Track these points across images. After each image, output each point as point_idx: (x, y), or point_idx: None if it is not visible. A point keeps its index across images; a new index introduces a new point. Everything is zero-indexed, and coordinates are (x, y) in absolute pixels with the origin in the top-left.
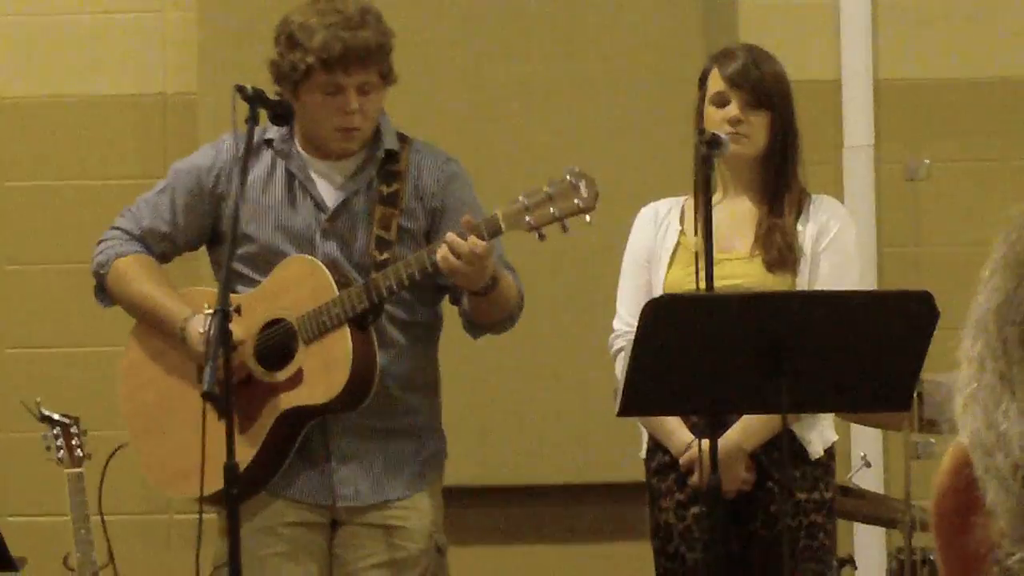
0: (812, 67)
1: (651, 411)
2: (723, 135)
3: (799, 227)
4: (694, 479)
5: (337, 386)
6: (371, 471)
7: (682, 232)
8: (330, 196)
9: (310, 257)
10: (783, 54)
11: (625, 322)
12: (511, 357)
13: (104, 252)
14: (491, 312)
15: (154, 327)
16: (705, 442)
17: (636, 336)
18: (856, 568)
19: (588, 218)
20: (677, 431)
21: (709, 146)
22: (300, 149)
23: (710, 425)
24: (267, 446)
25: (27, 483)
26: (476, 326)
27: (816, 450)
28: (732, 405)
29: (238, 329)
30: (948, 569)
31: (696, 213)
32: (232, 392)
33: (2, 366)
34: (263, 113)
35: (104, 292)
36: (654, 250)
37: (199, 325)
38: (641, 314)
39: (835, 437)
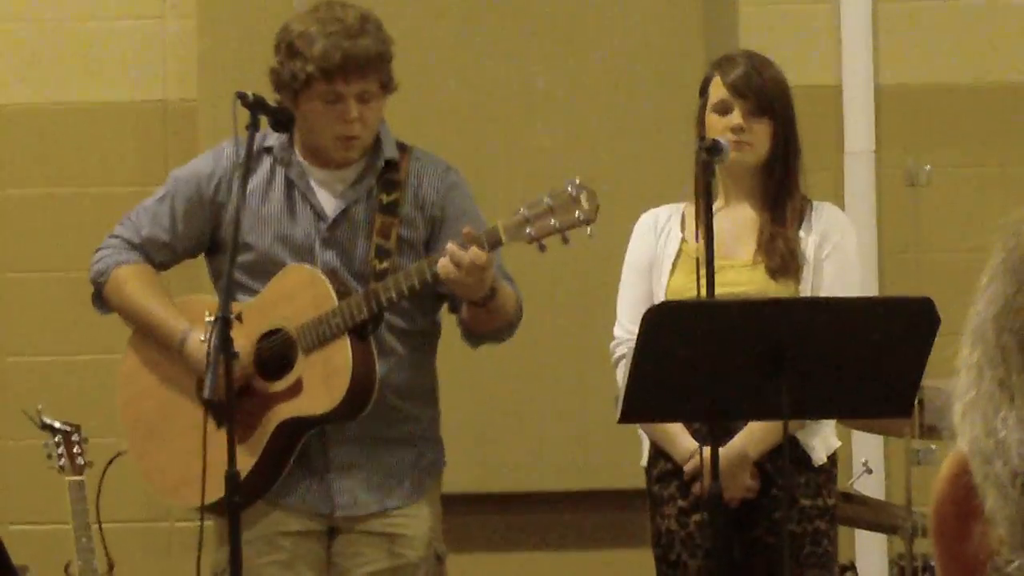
0: (813, 72)
1: (652, 418)
2: (723, 141)
3: (801, 234)
4: (698, 487)
5: (337, 396)
6: (370, 480)
7: (684, 239)
8: (330, 205)
9: (309, 266)
10: (784, 60)
11: (626, 329)
12: (511, 363)
13: (103, 260)
14: (490, 322)
15: (152, 339)
16: (707, 449)
17: (637, 343)
18: (858, 574)
19: (589, 230)
20: (680, 438)
21: (709, 152)
22: (300, 157)
23: (711, 432)
24: (266, 455)
25: (28, 491)
26: (474, 335)
27: (819, 457)
28: (733, 412)
29: (237, 338)
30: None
31: (697, 220)
32: (232, 400)
33: (2, 374)
34: (263, 120)
35: (102, 300)
36: (655, 257)
37: (198, 341)
38: (642, 321)
39: (838, 443)
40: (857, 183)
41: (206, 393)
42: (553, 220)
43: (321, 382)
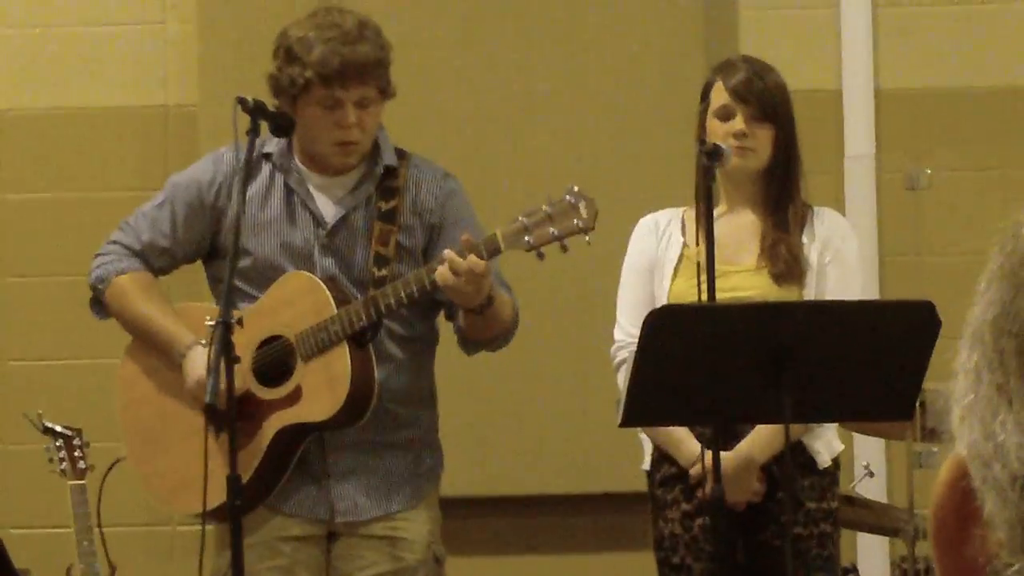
0: (813, 77)
1: (653, 421)
2: (724, 146)
3: (804, 240)
4: (707, 489)
5: (336, 404)
6: (369, 485)
7: (685, 243)
8: (329, 212)
9: (308, 274)
10: (784, 64)
11: (627, 332)
12: (511, 367)
13: (103, 267)
14: (486, 330)
15: (152, 347)
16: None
17: (638, 346)
18: None
19: (587, 238)
20: (686, 442)
21: (710, 157)
22: (299, 164)
23: (714, 436)
24: (265, 462)
25: (30, 495)
26: (470, 343)
27: (824, 460)
28: (735, 415)
29: (236, 344)
30: None
31: (698, 224)
32: (234, 405)
33: (4, 378)
34: (263, 126)
35: (100, 305)
36: (656, 260)
37: (199, 361)
38: (643, 324)
39: (841, 447)
40: (857, 187)
41: (207, 398)
42: (552, 228)
43: (320, 389)
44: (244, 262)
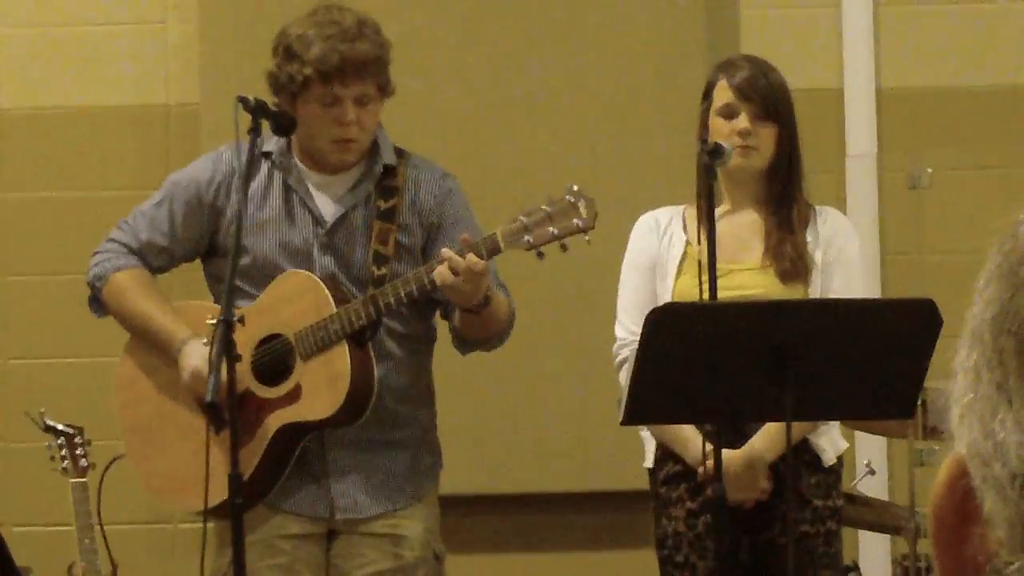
0: (814, 76)
1: (655, 420)
2: (726, 144)
3: (808, 239)
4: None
5: (336, 403)
6: (369, 483)
7: (688, 242)
8: (328, 210)
9: (307, 272)
10: (785, 63)
11: (629, 330)
12: (512, 365)
13: (101, 265)
14: (482, 329)
15: (150, 344)
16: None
17: (640, 345)
18: (861, 575)
19: (587, 238)
20: (693, 440)
21: (711, 156)
22: (298, 162)
23: (716, 435)
24: (265, 461)
25: (31, 493)
26: (466, 342)
27: (829, 457)
28: (736, 414)
29: (236, 343)
30: None
31: (699, 223)
32: (235, 403)
33: (5, 377)
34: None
35: (99, 303)
36: (659, 258)
37: (193, 352)
38: (644, 323)
39: (846, 445)
40: (859, 186)
41: (208, 396)
42: (552, 228)
43: (320, 388)
44: (243, 260)
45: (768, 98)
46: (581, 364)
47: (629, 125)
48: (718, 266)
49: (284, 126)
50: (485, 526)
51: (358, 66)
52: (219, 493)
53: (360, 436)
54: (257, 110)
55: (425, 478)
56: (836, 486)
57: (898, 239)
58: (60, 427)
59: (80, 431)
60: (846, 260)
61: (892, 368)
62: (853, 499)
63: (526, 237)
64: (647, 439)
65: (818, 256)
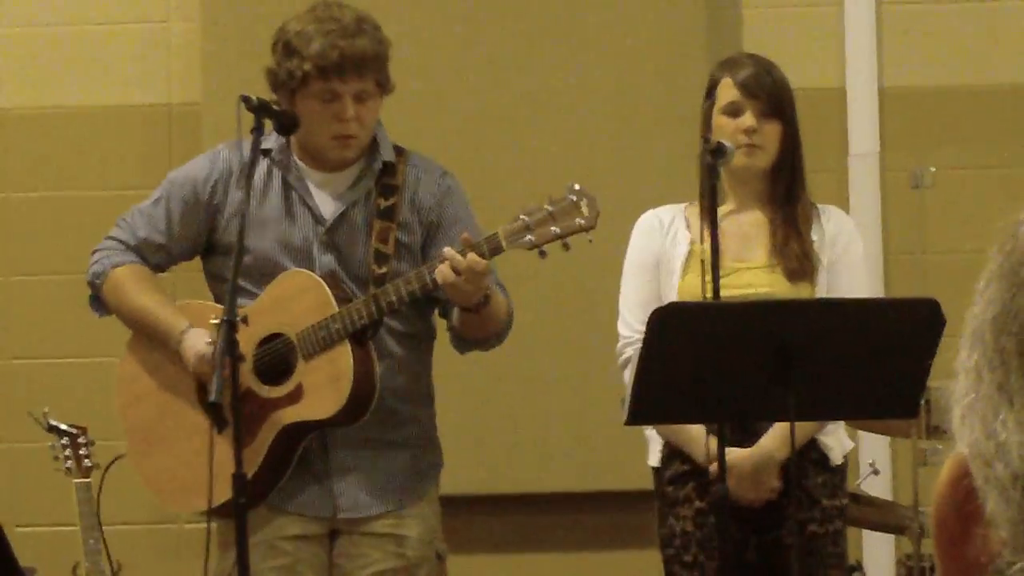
0: (817, 75)
1: (659, 420)
2: (728, 144)
3: (814, 237)
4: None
5: (338, 402)
6: (371, 482)
7: (692, 240)
8: (327, 208)
9: (308, 272)
10: (788, 62)
11: (633, 329)
12: (514, 365)
13: (100, 262)
14: (481, 329)
15: (150, 339)
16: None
17: (643, 344)
18: (865, 575)
19: (590, 236)
20: (701, 438)
21: (714, 155)
22: (297, 160)
23: (719, 434)
24: (267, 461)
25: (35, 493)
26: (464, 341)
27: (836, 457)
28: (740, 413)
29: (240, 341)
30: None
31: (702, 221)
32: (238, 402)
33: (8, 377)
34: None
35: (99, 302)
36: (663, 257)
37: (196, 339)
38: (648, 323)
39: (852, 444)
40: (861, 185)
41: (212, 396)
42: (554, 227)
43: (322, 388)
44: (243, 259)
45: (773, 95)
46: (582, 363)
47: (630, 124)
48: (724, 264)
49: (287, 125)
50: (486, 526)
51: (357, 62)
52: (222, 493)
53: (361, 435)
54: (260, 109)
55: (426, 477)
56: (842, 486)
57: (901, 238)
58: (63, 427)
59: (83, 431)
60: (851, 260)
61: (895, 367)
62: (857, 499)
63: (528, 236)
64: (652, 438)
65: (824, 255)
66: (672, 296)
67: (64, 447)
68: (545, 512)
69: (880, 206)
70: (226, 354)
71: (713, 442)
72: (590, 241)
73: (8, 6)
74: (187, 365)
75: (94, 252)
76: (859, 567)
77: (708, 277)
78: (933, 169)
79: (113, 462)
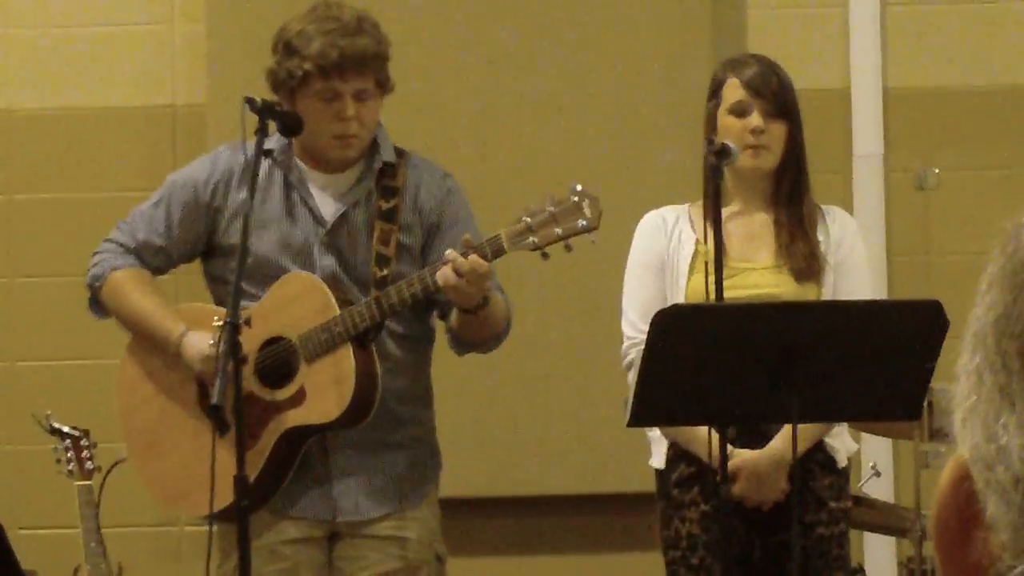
0: (821, 76)
1: (661, 422)
2: (732, 145)
3: (820, 238)
4: (737, 488)
5: (341, 406)
6: (371, 485)
7: (698, 240)
8: (328, 209)
9: (310, 274)
10: (792, 63)
11: (638, 329)
12: (515, 367)
13: (99, 265)
14: (479, 331)
15: (149, 343)
16: (747, 452)
17: (646, 346)
18: None
19: (592, 237)
20: (707, 438)
21: (718, 156)
22: (298, 161)
23: (722, 436)
24: (269, 464)
25: (37, 496)
26: (462, 343)
27: (842, 459)
28: (743, 415)
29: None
30: None
31: (706, 222)
32: (241, 405)
33: (12, 379)
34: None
35: (98, 304)
36: (668, 257)
37: (197, 341)
38: (651, 325)
39: (856, 446)
40: (866, 186)
41: (214, 399)
42: (556, 228)
43: (325, 391)
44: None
45: (779, 95)
46: (584, 365)
47: (634, 125)
48: (731, 265)
49: (291, 126)
50: (487, 528)
51: (357, 61)
52: (224, 496)
53: (362, 438)
54: (264, 111)
55: (426, 479)
56: (846, 488)
57: (905, 240)
58: (66, 429)
59: (86, 433)
60: (855, 261)
61: (898, 369)
62: (859, 501)
63: (531, 238)
64: (654, 439)
65: (830, 255)
66: (679, 297)
67: (66, 449)
68: (546, 514)
69: (884, 207)
70: (229, 356)
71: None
72: (593, 242)
73: (11, 8)
74: (191, 367)
75: (93, 255)
76: (861, 570)
77: (712, 278)
78: (937, 170)
79: (114, 466)
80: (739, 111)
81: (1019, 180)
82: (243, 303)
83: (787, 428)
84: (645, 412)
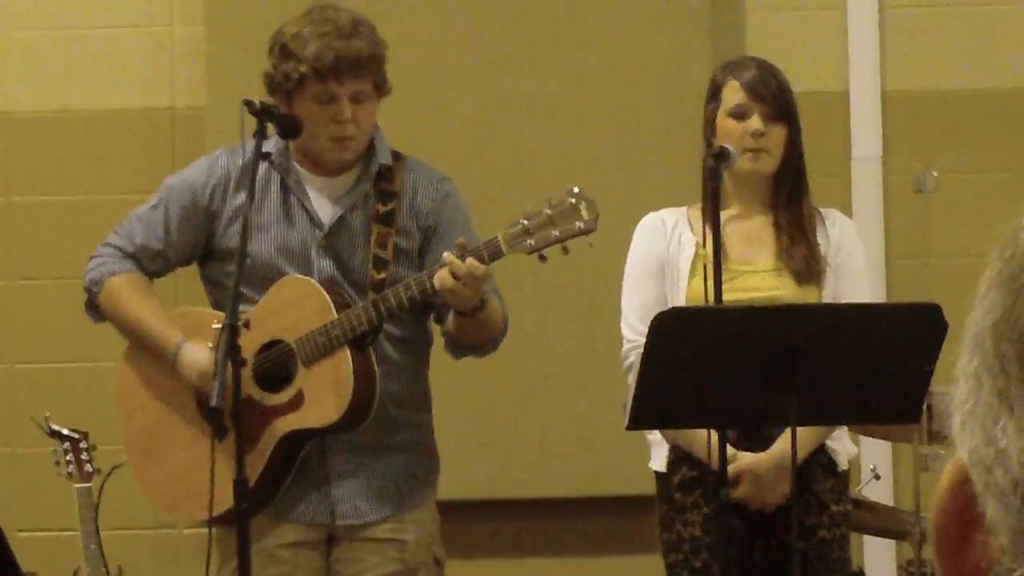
0: (820, 78)
1: (661, 425)
2: (731, 148)
3: (820, 240)
4: (739, 491)
5: (339, 409)
6: (369, 488)
7: (698, 243)
8: (326, 212)
9: (307, 278)
10: (791, 65)
11: (638, 332)
12: (514, 369)
13: (96, 269)
14: (475, 334)
15: (146, 350)
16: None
17: (645, 349)
18: None
19: (589, 239)
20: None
21: (717, 159)
22: (296, 164)
23: (722, 439)
24: (268, 469)
25: (37, 498)
26: (459, 347)
27: (843, 462)
28: (742, 418)
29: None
30: None
31: (705, 224)
32: (240, 407)
33: (11, 381)
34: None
35: (95, 309)
36: (668, 260)
37: (195, 354)
38: (650, 327)
39: (856, 449)
40: (864, 189)
41: (213, 401)
42: (553, 230)
43: (323, 394)
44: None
45: (779, 98)
46: (583, 367)
47: (633, 127)
48: (731, 268)
49: (290, 129)
50: (486, 531)
51: (353, 63)
52: (222, 502)
53: (361, 441)
54: (263, 114)
55: (424, 482)
56: (846, 491)
57: (904, 243)
58: (65, 432)
59: (85, 436)
60: (855, 265)
61: (898, 372)
62: (858, 504)
63: (528, 240)
64: (655, 442)
65: (830, 258)
66: (680, 300)
67: (65, 452)
68: (545, 517)
69: (883, 210)
70: (228, 358)
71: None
72: (590, 244)
73: (12, 10)
74: (187, 382)
75: (91, 259)
76: (861, 573)
77: (714, 279)
78: (936, 173)
79: (113, 470)
80: (739, 114)
81: (1018, 183)
82: (241, 307)
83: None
84: (644, 415)
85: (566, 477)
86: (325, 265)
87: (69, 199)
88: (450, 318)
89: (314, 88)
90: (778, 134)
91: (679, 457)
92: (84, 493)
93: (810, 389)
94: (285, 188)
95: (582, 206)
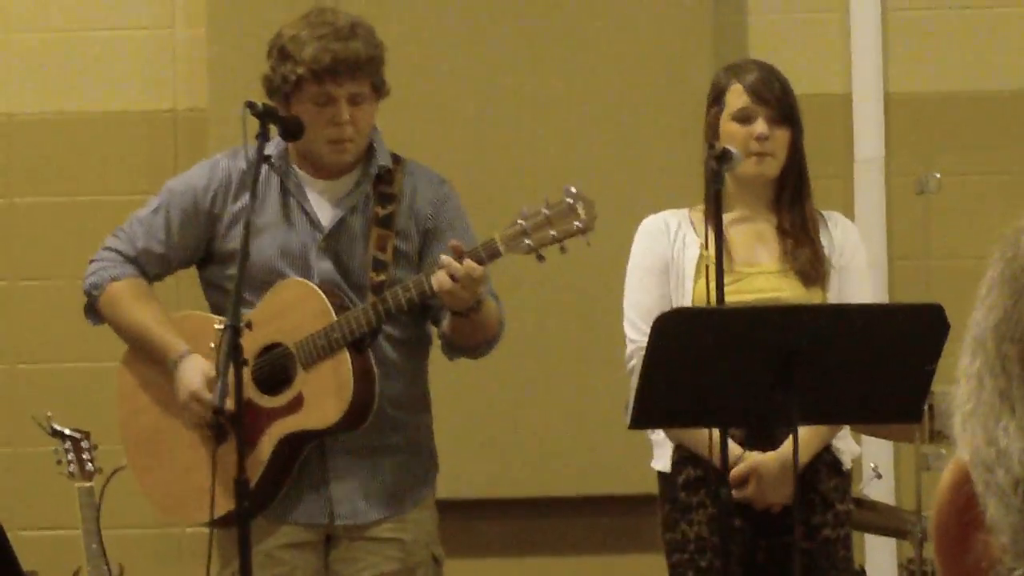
0: (822, 80)
1: (662, 424)
2: (734, 150)
3: (824, 242)
4: (746, 491)
5: (338, 411)
6: (368, 488)
7: (702, 244)
8: (325, 215)
9: (306, 281)
10: (793, 68)
11: (643, 332)
12: (514, 369)
13: (97, 274)
14: (472, 335)
15: (147, 356)
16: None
17: (647, 349)
18: None
19: (586, 239)
20: (715, 439)
21: (719, 161)
22: (295, 167)
23: (723, 438)
24: (268, 471)
25: (38, 497)
26: (454, 348)
27: (847, 461)
28: (743, 418)
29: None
30: None
31: (707, 226)
32: (242, 407)
33: (13, 381)
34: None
35: (95, 312)
36: (672, 261)
37: (191, 372)
38: (652, 328)
39: (859, 449)
40: (867, 191)
41: (216, 402)
42: (551, 230)
43: (322, 397)
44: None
45: (782, 101)
46: (583, 367)
47: (634, 128)
48: (735, 269)
49: (292, 131)
50: (487, 530)
51: (351, 65)
52: (222, 504)
53: (359, 442)
54: (265, 115)
55: (423, 483)
56: (849, 490)
57: (906, 244)
58: (67, 431)
59: (87, 435)
60: (857, 267)
61: (899, 372)
62: (860, 503)
63: (525, 240)
64: (658, 442)
65: (834, 260)
66: (686, 301)
67: (67, 451)
68: (546, 516)
69: (885, 212)
70: (230, 359)
71: (733, 446)
72: (588, 244)
73: (14, 12)
74: (180, 397)
75: (91, 262)
76: (862, 572)
77: (719, 281)
78: (938, 175)
79: (114, 473)
80: (743, 118)
81: (1020, 184)
82: (241, 310)
83: (799, 431)
84: (646, 415)
85: (566, 476)
86: (324, 267)
87: (71, 200)
88: (446, 319)
89: (311, 90)
90: (782, 137)
91: (684, 457)
92: (86, 492)
93: (812, 389)
94: (285, 191)
95: (579, 206)
